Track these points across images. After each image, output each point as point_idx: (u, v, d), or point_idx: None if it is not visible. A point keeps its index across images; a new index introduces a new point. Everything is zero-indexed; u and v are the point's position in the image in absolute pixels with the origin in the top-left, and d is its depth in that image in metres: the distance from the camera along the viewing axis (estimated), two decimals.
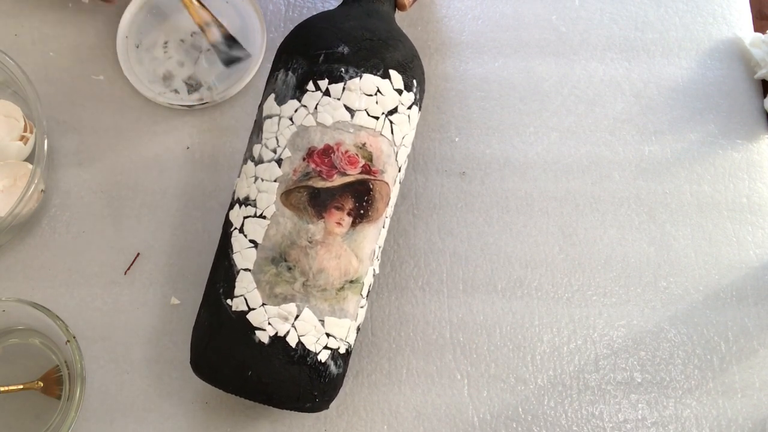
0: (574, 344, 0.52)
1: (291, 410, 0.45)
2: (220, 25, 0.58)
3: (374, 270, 0.47)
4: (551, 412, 0.51)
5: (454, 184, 0.56)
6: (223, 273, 0.45)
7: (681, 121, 0.58)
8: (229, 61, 0.57)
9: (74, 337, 0.48)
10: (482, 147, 0.57)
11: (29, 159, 0.54)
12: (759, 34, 0.60)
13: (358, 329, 0.47)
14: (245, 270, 0.44)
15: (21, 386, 0.49)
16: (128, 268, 0.54)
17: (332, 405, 0.50)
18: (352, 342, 0.46)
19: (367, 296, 0.47)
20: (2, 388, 0.49)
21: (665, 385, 0.51)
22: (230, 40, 0.58)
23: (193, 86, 0.58)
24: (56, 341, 0.50)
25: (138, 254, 0.54)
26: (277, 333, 0.42)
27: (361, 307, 0.46)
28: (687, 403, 0.51)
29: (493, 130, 0.58)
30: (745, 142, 0.58)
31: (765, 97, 0.59)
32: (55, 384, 0.50)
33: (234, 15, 0.60)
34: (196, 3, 0.58)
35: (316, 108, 0.45)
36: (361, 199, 0.44)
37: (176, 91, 0.58)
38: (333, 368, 0.44)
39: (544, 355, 0.52)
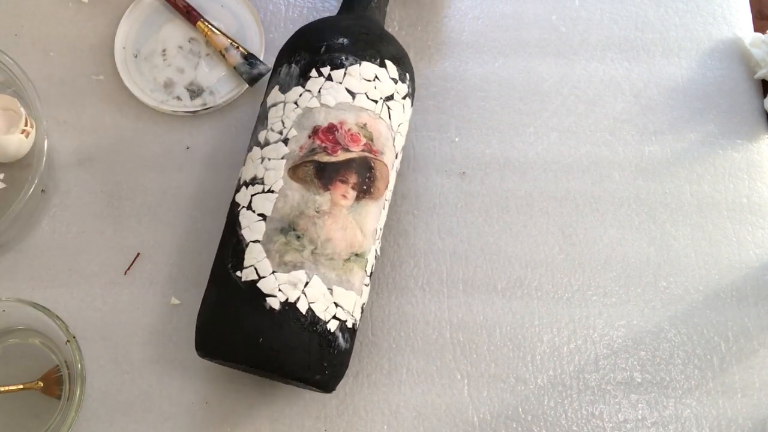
0: (574, 344, 0.52)
1: (299, 382, 0.44)
2: (238, 46, 0.58)
3: (376, 251, 0.48)
4: (551, 412, 0.51)
5: (454, 184, 0.56)
6: (231, 249, 0.46)
7: (681, 121, 0.58)
8: (253, 80, 0.57)
9: (74, 337, 0.48)
10: (482, 147, 0.57)
11: (29, 157, 0.54)
12: (759, 34, 0.60)
13: (363, 309, 0.47)
14: (254, 242, 0.45)
15: (21, 386, 0.49)
16: (128, 268, 0.54)
17: (332, 405, 0.50)
18: (357, 318, 0.46)
19: (370, 276, 0.47)
20: (2, 388, 0.48)
21: (665, 385, 0.51)
22: (251, 59, 0.58)
23: (195, 92, 0.58)
24: (56, 341, 0.50)
25: (138, 254, 0.54)
26: (287, 299, 0.43)
27: (366, 285, 0.47)
28: (687, 403, 0.51)
29: (493, 130, 0.58)
30: (745, 142, 0.58)
31: (765, 97, 0.59)
32: (55, 384, 0.50)
33: (230, 18, 0.60)
34: (215, 31, 0.58)
35: (319, 91, 0.47)
36: (363, 174, 0.46)
37: (179, 98, 0.58)
38: (341, 341, 0.45)
39: (544, 355, 0.52)
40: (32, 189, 0.51)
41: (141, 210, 0.55)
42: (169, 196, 0.55)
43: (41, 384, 0.49)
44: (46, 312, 0.48)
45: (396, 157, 0.49)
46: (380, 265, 0.54)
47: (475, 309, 0.53)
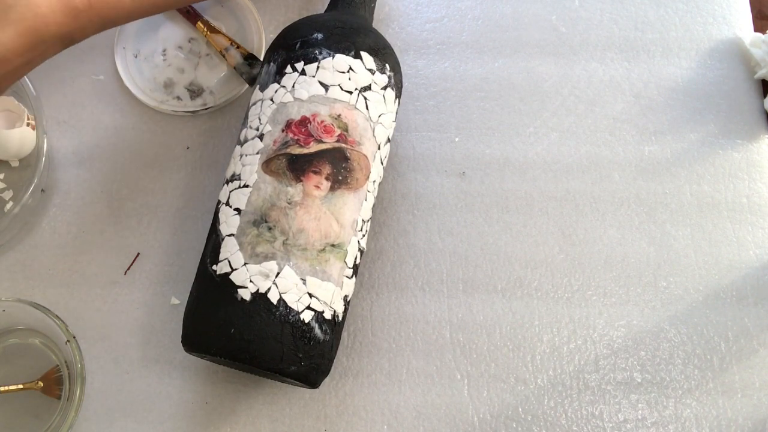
0: (574, 344, 0.52)
1: (278, 374, 0.44)
2: (238, 46, 0.58)
3: (360, 245, 0.48)
4: (551, 412, 0.51)
5: (454, 184, 0.56)
6: (210, 245, 0.47)
7: (681, 121, 0.58)
8: (253, 80, 0.57)
9: (74, 337, 0.48)
10: (482, 147, 0.57)
11: (29, 157, 0.54)
12: (759, 34, 0.60)
13: (348, 302, 0.47)
14: (229, 236, 0.45)
15: (21, 386, 0.49)
16: (128, 268, 0.54)
17: (332, 405, 0.50)
18: (339, 311, 0.46)
19: (354, 269, 0.47)
20: (2, 388, 0.49)
21: (665, 385, 0.51)
22: (250, 59, 0.58)
23: (195, 92, 0.58)
24: (56, 341, 0.50)
25: (138, 254, 0.54)
26: (258, 290, 0.43)
27: (348, 277, 0.46)
28: (687, 403, 0.51)
29: (493, 130, 0.58)
30: (745, 142, 0.58)
31: (765, 97, 0.59)
32: (55, 384, 0.50)
33: (231, 19, 0.60)
34: (215, 31, 0.58)
35: (293, 86, 0.48)
36: (338, 165, 0.46)
37: (179, 98, 0.58)
38: (318, 332, 0.44)
39: (544, 355, 0.52)
40: (32, 189, 0.51)
41: (141, 210, 0.55)
42: (169, 196, 0.55)
43: (41, 384, 0.49)
44: (46, 312, 0.48)
45: (379, 148, 0.49)
46: (380, 265, 0.54)
47: (475, 309, 0.53)
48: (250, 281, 0.44)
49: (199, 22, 0.59)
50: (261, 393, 0.51)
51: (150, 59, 0.59)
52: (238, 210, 0.46)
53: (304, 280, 0.44)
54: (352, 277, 0.47)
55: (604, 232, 0.55)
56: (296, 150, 0.46)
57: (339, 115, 0.47)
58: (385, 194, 0.56)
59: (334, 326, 0.46)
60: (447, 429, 0.50)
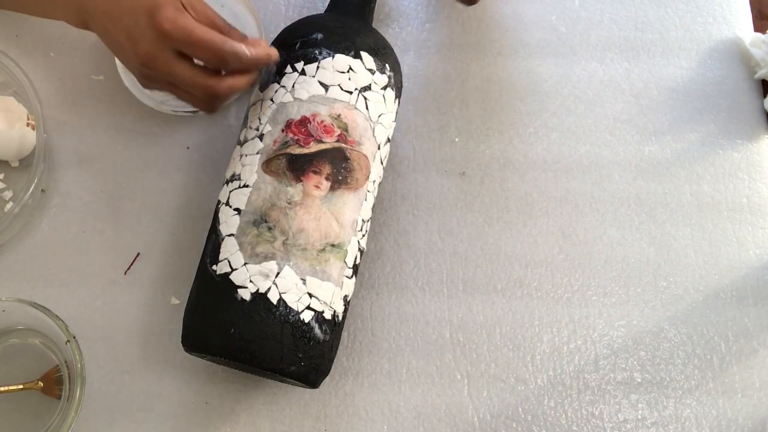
0: (574, 344, 0.52)
1: (278, 374, 0.44)
2: None
3: (360, 244, 0.48)
4: (551, 412, 0.51)
5: (454, 184, 0.56)
6: (210, 245, 0.47)
7: (681, 121, 0.58)
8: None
9: (74, 337, 0.48)
10: (482, 147, 0.57)
11: (29, 157, 0.54)
12: (759, 34, 0.60)
13: (348, 302, 0.47)
14: (229, 235, 0.45)
15: (21, 386, 0.49)
16: (128, 268, 0.54)
17: (332, 405, 0.50)
18: (339, 311, 0.46)
19: (354, 269, 0.47)
20: (2, 388, 0.48)
21: (665, 385, 0.51)
22: None
23: None
24: (56, 341, 0.50)
25: (138, 254, 0.54)
26: (258, 290, 0.44)
27: (348, 277, 0.47)
28: (687, 403, 0.51)
29: (493, 130, 0.58)
30: (745, 142, 0.58)
31: (765, 97, 0.59)
32: (55, 384, 0.50)
33: (230, 18, 0.60)
34: None
35: (293, 86, 0.48)
36: (338, 165, 0.46)
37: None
38: (318, 332, 0.45)
39: (544, 355, 0.52)
40: (32, 189, 0.51)
41: (141, 210, 0.55)
42: (169, 196, 0.55)
43: (41, 384, 0.49)
44: (46, 312, 0.48)
45: (379, 148, 0.49)
46: (380, 265, 0.54)
47: (475, 309, 0.53)
48: (250, 281, 0.44)
49: None
50: (261, 393, 0.51)
51: None
52: (238, 210, 0.46)
53: (304, 280, 0.44)
54: (352, 277, 0.47)
55: (604, 232, 0.55)
56: (296, 150, 0.46)
57: (339, 115, 0.47)
58: (385, 194, 0.56)
59: (334, 326, 0.46)
60: (447, 429, 0.50)
